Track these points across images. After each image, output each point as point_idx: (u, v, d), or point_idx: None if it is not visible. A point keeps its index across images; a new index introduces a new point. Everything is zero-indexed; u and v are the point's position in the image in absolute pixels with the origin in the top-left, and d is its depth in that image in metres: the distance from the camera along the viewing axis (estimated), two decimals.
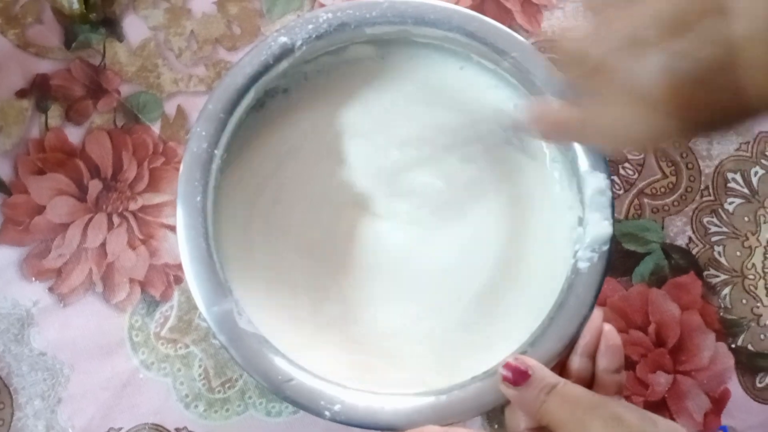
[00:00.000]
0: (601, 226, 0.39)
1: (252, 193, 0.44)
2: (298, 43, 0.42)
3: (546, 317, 0.38)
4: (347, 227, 0.44)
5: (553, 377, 0.34)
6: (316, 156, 0.45)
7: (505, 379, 0.35)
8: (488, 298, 0.42)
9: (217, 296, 0.38)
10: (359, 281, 0.43)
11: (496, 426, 0.47)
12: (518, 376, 0.34)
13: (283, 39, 0.42)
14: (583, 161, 0.40)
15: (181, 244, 0.39)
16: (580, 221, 0.40)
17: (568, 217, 0.42)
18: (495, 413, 0.47)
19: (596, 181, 0.39)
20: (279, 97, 0.45)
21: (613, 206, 0.39)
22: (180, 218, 0.39)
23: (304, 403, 0.37)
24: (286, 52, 0.42)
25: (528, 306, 0.41)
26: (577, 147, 0.40)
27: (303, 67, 0.44)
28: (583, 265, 0.39)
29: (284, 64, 0.42)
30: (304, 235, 0.43)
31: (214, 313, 0.38)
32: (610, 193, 0.39)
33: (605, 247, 0.39)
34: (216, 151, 0.40)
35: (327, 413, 0.36)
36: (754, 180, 0.51)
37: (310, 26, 0.42)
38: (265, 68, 0.42)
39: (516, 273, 0.42)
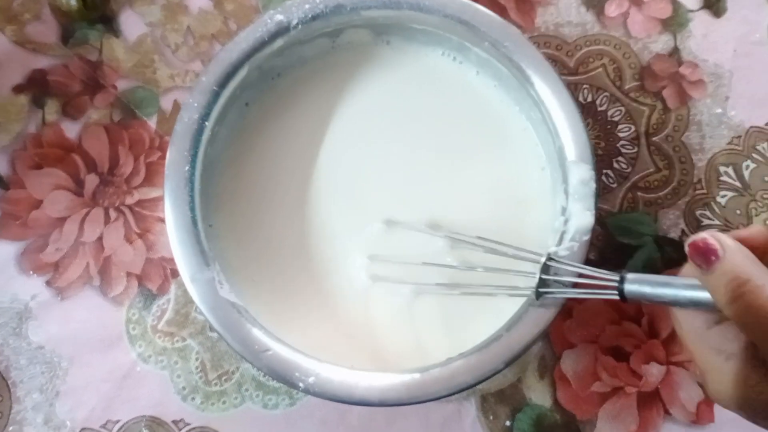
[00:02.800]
0: (583, 216, 0.39)
1: (241, 166, 0.44)
2: (294, 22, 0.42)
3: (524, 302, 0.39)
4: (326, 211, 0.44)
5: (744, 269, 0.29)
6: (304, 138, 0.45)
7: (691, 255, 0.30)
8: (468, 280, 0.43)
9: (199, 265, 0.39)
10: (342, 261, 0.43)
11: (491, 417, 0.47)
12: (706, 255, 0.29)
13: (279, 17, 0.42)
14: (570, 151, 0.40)
15: (167, 212, 0.39)
16: (563, 210, 0.41)
17: (551, 206, 0.42)
18: (489, 405, 0.47)
19: (581, 172, 0.40)
20: (274, 79, 0.45)
21: (596, 197, 0.40)
22: (167, 187, 0.40)
23: (279, 374, 0.37)
24: (282, 30, 0.42)
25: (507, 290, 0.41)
26: (564, 137, 0.41)
27: (298, 48, 0.44)
28: (563, 253, 0.39)
29: (279, 42, 0.43)
30: (287, 210, 0.44)
31: (196, 281, 0.38)
32: (594, 184, 0.40)
33: (586, 237, 0.39)
34: (206, 123, 0.41)
35: (301, 385, 0.37)
36: (746, 173, 0.52)
37: (307, 6, 0.43)
38: (261, 45, 0.42)
39: (497, 256, 0.43)
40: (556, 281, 0.37)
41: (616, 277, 0.34)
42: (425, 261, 0.41)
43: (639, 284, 0.33)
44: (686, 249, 0.30)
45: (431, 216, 0.43)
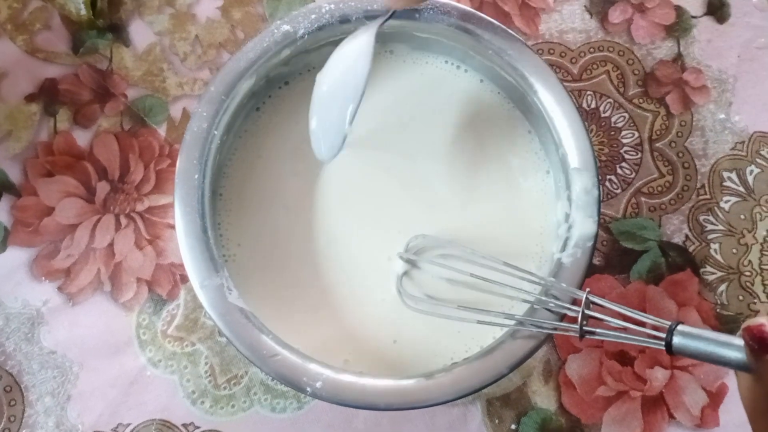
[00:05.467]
0: (586, 224, 0.40)
1: (249, 173, 0.45)
2: (300, 32, 0.43)
3: (528, 309, 0.39)
4: (334, 217, 0.45)
5: None
6: (310, 145, 0.46)
7: (745, 338, 0.28)
8: (489, 303, 0.43)
9: (209, 271, 0.39)
10: (348, 271, 0.44)
11: (496, 421, 0.47)
12: (762, 342, 0.27)
13: (286, 27, 0.43)
14: (573, 159, 0.41)
15: (177, 219, 0.40)
16: (567, 217, 0.41)
17: (554, 213, 0.43)
18: (495, 409, 0.48)
19: (584, 180, 0.40)
20: (281, 87, 0.46)
21: (599, 204, 0.40)
22: (177, 194, 0.40)
23: (287, 378, 0.38)
24: (289, 40, 0.43)
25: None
26: (567, 144, 0.41)
27: (305, 57, 0.45)
28: (566, 260, 0.40)
29: (286, 52, 0.43)
30: (295, 216, 0.44)
31: (205, 287, 0.39)
32: (596, 192, 0.40)
33: (589, 244, 0.40)
34: (215, 131, 0.42)
35: (309, 389, 0.38)
36: (750, 178, 0.52)
37: (313, 16, 0.43)
38: (268, 54, 0.43)
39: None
40: (600, 319, 0.35)
41: (666, 324, 0.31)
42: (448, 277, 0.41)
43: (689, 339, 0.31)
44: (741, 331, 0.29)
45: (436, 222, 0.44)
